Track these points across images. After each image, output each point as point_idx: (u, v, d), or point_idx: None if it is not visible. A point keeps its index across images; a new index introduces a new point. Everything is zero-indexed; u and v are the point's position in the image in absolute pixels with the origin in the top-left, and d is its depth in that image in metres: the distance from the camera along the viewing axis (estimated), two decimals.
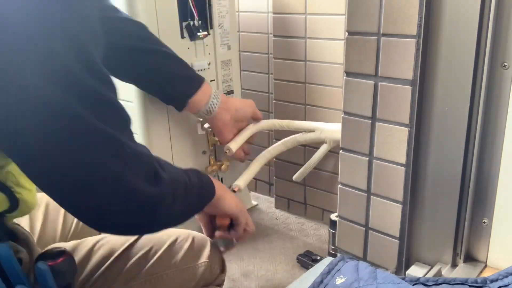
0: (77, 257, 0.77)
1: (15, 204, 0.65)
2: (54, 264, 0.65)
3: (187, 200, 0.73)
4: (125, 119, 0.62)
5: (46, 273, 0.64)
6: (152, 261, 0.82)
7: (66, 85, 0.53)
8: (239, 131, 1.33)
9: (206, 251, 0.87)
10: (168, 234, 0.86)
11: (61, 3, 0.52)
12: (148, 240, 0.83)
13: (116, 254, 0.79)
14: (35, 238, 0.84)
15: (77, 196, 0.58)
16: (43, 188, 0.58)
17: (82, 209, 0.60)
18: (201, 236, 0.90)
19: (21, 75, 0.51)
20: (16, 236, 0.70)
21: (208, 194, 0.83)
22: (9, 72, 0.50)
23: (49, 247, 0.77)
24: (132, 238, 0.83)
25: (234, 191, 1.27)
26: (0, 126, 0.53)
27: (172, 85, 1.16)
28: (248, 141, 1.36)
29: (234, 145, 1.30)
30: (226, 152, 1.31)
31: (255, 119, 1.35)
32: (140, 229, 0.69)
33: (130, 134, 0.63)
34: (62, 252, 0.68)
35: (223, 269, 0.92)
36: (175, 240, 0.86)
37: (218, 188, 0.84)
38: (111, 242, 0.82)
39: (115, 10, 1.09)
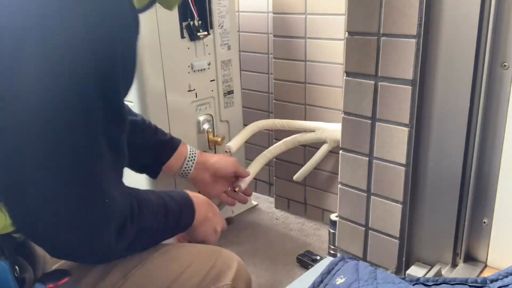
0: (90, 276, 0.74)
1: None
2: (53, 287, 0.64)
3: (154, 238, 0.79)
4: (124, 161, 0.68)
5: None
6: (169, 281, 0.78)
7: (88, 128, 0.60)
8: (223, 186, 1.26)
9: (231, 272, 0.81)
10: (190, 253, 0.83)
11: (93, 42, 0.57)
12: (166, 257, 0.79)
13: (132, 273, 0.76)
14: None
15: (47, 230, 0.63)
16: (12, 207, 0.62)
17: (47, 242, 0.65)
18: (228, 254, 0.85)
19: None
20: (26, 252, 0.69)
21: (184, 226, 0.86)
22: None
23: (59, 264, 0.76)
24: (146, 256, 0.79)
25: (235, 191, 1.27)
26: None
27: (143, 155, 1.10)
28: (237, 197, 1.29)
29: (234, 144, 1.30)
30: (226, 152, 1.30)
31: (240, 176, 1.28)
32: (101, 261, 0.75)
33: (121, 174, 0.69)
34: (65, 274, 0.67)
35: None
36: (196, 260, 0.81)
37: (197, 216, 0.87)
38: (125, 262, 0.78)
39: None
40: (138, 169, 1.14)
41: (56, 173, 0.60)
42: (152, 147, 1.12)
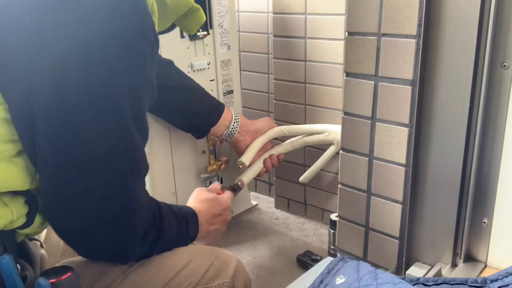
0: (90, 273, 0.75)
1: (31, 222, 0.67)
2: (56, 281, 0.65)
3: (168, 244, 0.81)
4: (146, 170, 0.72)
5: None
6: (168, 278, 0.78)
7: (116, 135, 0.64)
8: (260, 151, 1.36)
9: (230, 271, 0.83)
10: (189, 251, 0.84)
11: (127, 61, 0.63)
12: (165, 256, 0.80)
13: (130, 270, 0.76)
14: (55, 250, 0.85)
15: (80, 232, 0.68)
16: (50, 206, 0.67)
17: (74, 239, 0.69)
18: (226, 254, 0.87)
19: (81, 126, 0.62)
20: (26, 253, 0.71)
21: (192, 236, 0.88)
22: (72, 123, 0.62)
23: (61, 262, 0.77)
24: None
25: (238, 185, 1.28)
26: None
27: (195, 117, 1.24)
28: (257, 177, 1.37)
29: (246, 159, 1.31)
30: (239, 167, 1.32)
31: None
32: (123, 263, 0.77)
33: (144, 183, 0.73)
34: (67, 269, 0.67)
35: None
36: (194, 259, 0.82)
37: (201, 227, 0.90)
38: None
39: None
40: (189, 129, 1.28)
41: (92, 180, 0.65)
42: (204, 111, 1.25)
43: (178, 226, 0.82)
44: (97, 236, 0.68)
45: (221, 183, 1.50)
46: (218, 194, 1.08)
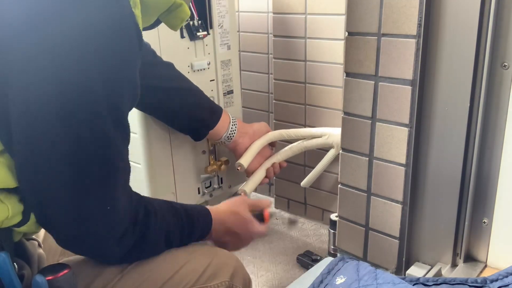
0: (88, 271, 0.75)
1: (27, 219, 0.67)
2: (53, 278, 0.65)
3: (160, 248, 0.79)
4: (126, 172, 0.70)
5: (43, 286, 0.64)
6: (166, 277, 0.78)
7: (93, 138, 0.62)
8: (260, 157, 1.35)
9: (228, 270, 0.83)
10: (187, 251, 0.83)
11: (104, 56, 0.60)
12: (163, 255, 0.80)
13: (127, 270, 0.76)
14: (54, 250, 0.85)
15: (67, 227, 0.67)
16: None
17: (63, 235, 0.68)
18: (225, 253, 0.87)
19: (56, 131, 0.60)
20: (24, 253, 0.71)
21: (198, 239, 0.86)
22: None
23: (60, 261, 0.77)
24: None
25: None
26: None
27: (193, 120, 1.23)
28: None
29: (245, 161, 1.30)
30: (238, 169, 1.31)
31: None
32: (104, 262, 0.76)
33: (127, 183, 0.71)
34: (64, 267, 0.67)
35: None
36: (193, 258, 0.82)
37: (216, 232, 0.88)
38: None
39: (153, 54, 1.19)
40: (187, 131, 1.26)
41: (68, 183, 0.64)
42: (202, 114, 1.23)
43: (178, 224, 0.80)
44: (74, 230, 0.67)
45: (221, 183, 1.49)
46: (258, 215, 1.02)
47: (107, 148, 0.65)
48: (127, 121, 0.68)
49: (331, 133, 1.36)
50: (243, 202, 0.98)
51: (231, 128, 1.28)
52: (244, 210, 0.96)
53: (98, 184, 0.65)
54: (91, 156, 0.63)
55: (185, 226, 0.82)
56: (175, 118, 1.25)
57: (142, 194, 0.78)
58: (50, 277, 0.65)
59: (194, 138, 1.28)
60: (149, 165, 1.32)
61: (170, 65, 1.23)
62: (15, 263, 0.66)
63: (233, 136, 1.28)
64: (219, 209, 0.92)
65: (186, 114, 1.23)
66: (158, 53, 1.28)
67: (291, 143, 1.41)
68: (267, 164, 1.36)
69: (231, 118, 1.28)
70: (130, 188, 0.73)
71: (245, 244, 0.98)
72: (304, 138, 1.41)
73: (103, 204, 0.67)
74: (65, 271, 0.67)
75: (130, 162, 0.71)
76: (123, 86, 0.65)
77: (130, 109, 0.69)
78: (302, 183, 1.49)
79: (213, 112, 1.26)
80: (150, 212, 0.75)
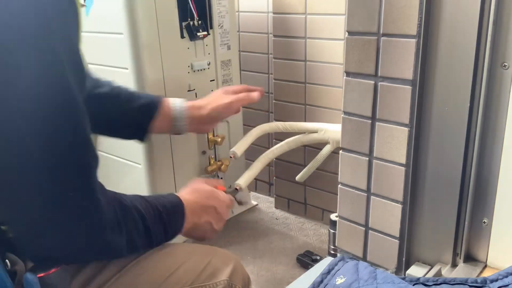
0: (87, 270, 0.74)
1: None
2: (44, 276, 0.63)
3: (137, 245, 0.74)
4: (98, 162, 0.65)
5: (34, 284, 0.62)
6: (165, 276, 0.78)
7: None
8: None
9: (227, 269, 0.82)
10: (186, 250, 0.83)
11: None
12: (161, 254, 0.79)
13: (126, 268, 0.76)
14: None
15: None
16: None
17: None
18: (225, 253, 0.86)
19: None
20: (15, 247, 0.68)
21: (173, 234, 0.82)
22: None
23: None
24: (142, 252, 0.79)
25: (236, 190, 1.28)
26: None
27: (132, 116, 1.08)
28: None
29: (239, 149, 1.30)
30: (231, 157, 1.31)
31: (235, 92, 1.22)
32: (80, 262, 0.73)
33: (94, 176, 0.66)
34: (55, 263, 0.65)
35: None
36: (192, 257, 0.82)
37: (188, 222, 0.84)
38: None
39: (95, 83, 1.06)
40: (130, 135, 1.11)
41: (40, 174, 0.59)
42: (140, 102, 1.07)
43: (153, 218, 0.76)
44: (51, 233, 0.62)
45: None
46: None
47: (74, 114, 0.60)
48: (83, 109, 0.62)
49: (327, 129, 1.37)
50: (199, 180, 0.96)
51: (180, 105, 1.12)
52: (204, 185, 0.94)
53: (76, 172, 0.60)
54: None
55: (161, 211, 0.78)
56: (115, 122, 1.08)
57: (142, 194, 0.78)
58: (41, 274, 0.62)
59: (139, 136, 1.12)
60: (149, 166, 1.32)
61: (99, 77, 1.08)
62: (7, 260, 0.63)
63: (183, 131, 1.14)
64: (183, 194, 0.89)
65: (124, 112, 1.07)
66: (158, 54, 1.29)
67: (289, 137, 1.42)
68: (262, 157, 1.36)
69: (174, 112, 1.11)
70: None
71: (225, 217, 0.94)
72: (300, 132, 1.41)
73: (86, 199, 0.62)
74: (57, 268, 0.64)
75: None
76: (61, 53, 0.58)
77: (82, 96, 0.63)
78: (297, 177, 1.50)
79: (151, 102, 1.10)
80: (125, 209, 0.71)
